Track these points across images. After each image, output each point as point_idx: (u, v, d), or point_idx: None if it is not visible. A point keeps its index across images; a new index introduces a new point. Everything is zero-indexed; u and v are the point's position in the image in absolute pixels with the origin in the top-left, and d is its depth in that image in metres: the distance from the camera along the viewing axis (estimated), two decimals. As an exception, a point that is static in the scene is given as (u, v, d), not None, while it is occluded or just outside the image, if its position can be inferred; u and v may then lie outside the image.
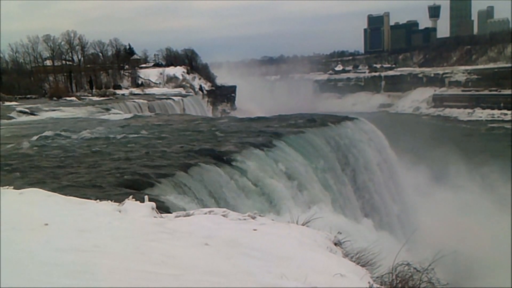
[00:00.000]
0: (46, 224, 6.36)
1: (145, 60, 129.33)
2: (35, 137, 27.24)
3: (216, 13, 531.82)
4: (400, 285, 6.08)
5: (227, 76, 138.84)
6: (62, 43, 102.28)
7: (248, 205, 17.53)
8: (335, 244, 7.45)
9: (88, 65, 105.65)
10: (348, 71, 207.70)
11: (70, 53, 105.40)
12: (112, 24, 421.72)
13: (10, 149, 23.95)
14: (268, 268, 5.48)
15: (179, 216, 8.24)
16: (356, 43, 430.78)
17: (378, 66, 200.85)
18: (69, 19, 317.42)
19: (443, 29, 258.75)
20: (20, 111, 47.38)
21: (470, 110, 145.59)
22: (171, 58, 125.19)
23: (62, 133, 29.22)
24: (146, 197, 8.72)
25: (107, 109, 54.50)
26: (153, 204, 8.29)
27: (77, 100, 70.41)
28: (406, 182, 38.82)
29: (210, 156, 21.57)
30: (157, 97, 78.13)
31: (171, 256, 5.54)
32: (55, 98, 71.48)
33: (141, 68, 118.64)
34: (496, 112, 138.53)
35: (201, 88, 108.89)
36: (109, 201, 8.71)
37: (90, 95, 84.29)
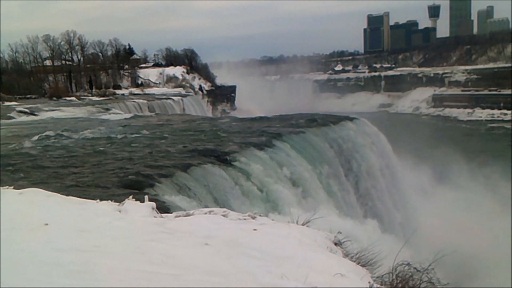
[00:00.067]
0: (46, 224, 6.36)
1: (145, 60, 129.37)
2: (35, 137, 27.24)
3: (216, 13, 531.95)
4: (400, 285, 6.08)
5: (227, 76, 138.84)
6: (62, 43, 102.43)
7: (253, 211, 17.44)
8: (335, 244, 7.45)
9: (88, 65, 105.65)
10: (348, 71, 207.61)
11: (69, 53, 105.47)
12: (111, 24, 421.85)
13: (12, 149, 23.93)
14: (268, 268, 5.48)
15: (179, 216, 8.24)
16: (355, 43, 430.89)
17: (378, 66, 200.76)
18: (69, 19, 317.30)
19: (443, 29, 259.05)
20: (20, 111, 47.37)
21: (470, 110, 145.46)
22: (171, 58, 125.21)
23: (64, 133, 29.20)
24: (146, 197, 8.72)
25: (107, 109, 54.49)
26: (153, 204, 8.30)
27: (77, 100, 70.41)
28: (409, 186, 38.61)
29: (213, 157, 21.36)
30: (157, 97, 78.12)
31: (171, 256, 5.54)
32: (54, 98, 71.48)
33: (141, 68, 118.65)
34: (496, 112, 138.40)
35: (201, 88, 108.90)
36: (109, 201, 8.71)
37: (90, 95, 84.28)
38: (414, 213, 34.81)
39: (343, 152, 30.59)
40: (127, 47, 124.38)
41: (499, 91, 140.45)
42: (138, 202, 8.31)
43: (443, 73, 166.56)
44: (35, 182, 15.07)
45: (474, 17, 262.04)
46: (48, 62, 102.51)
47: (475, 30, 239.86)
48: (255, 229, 7.27)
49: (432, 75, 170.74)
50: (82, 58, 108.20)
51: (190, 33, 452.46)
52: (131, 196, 8.62)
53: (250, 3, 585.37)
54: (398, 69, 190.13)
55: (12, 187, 9.23)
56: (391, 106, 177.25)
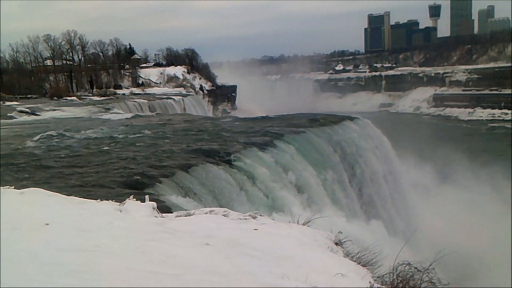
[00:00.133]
0: (47, 224, 6.36)
1: (146, 60, 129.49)
2: (38, 137, 27.25)
3: (216, 13, 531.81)
4: (401, 285, 6.07)
5: (227, 75, 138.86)
6: (63, 43, 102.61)
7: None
8: (336, 243, 7.44)
9: (89, 65, 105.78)
10: (349, 71, 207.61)
11: (70, 53, 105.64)
12: (112, 24, 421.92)
13: (15, 148, 23.93)
14: (269, 268, 5.48)
15: (180, 216, 8.24)
16: (356, 42, 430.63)
17: (378, 65, 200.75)
18: (70, 19, 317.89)
19: (444, 29, 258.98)
20: (21, 111, 47.43)
21: (470, 110, 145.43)
22: (172, 58, 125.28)
23: (66, 133, 29.22)
24: (146, 197, 8.72)
25: (108, 109, 54.55)
26: (154, 204, 8.29)
27: (77, 100, 70.49)
28: (412, 191, 38.40)
29: (217, 158, 21.20)
30: (157, 96, 78.21)
31: (172, 255, 5.54)
32: (55, 98, 71.58)
33: (142, 67, 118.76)
34: (496, 111, 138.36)
35: (201, 88, 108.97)
36: (110, 201, 8.71)
37: (90, 94, 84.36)
38: (417, 220, 34.42)
39: (346, 157, 30.46)
40: (128, 47, 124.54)
41: (500, 91, 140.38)
42: (138, 202, 8.31)
43: (443, 73, 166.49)
44: (38, 182, 15.13)
45: (474, 16, 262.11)
46: (49, 62, 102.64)
47: (475, 30, 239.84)
48: (255, 229, 7.27)
49: (432, 74, 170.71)
50: (82, 58, 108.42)
51: (191, 33, 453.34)
52: (131, 196, 8.61)
53: (250, 3, 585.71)
54: (399, 68, 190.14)
55: (13, 187, 9.24)
56: (392, 105, 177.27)
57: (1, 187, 8.92)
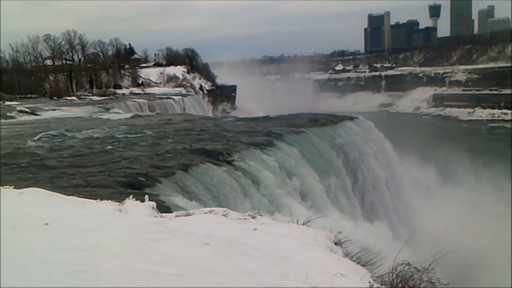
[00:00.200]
0: (47, 224, 6.36)
1: (146, 60, 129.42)
2: (39, 136, 27.26)
3: (216, 13, 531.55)
4: (400, 285, 6.07)
5: (227, 75, 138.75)
6: (63, 42, 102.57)
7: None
8: (336, 243, 7.45)
9: (89, 65, 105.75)
10: (349, 71, 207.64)
11: (70, 53, 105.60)
12: (112, 23, 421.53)
13: (17, 148, 23.93)
14: (269, 268, 5.48)
15: (179, 216, 8.24)
16: (356, 42, 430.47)
17: (378, 65, 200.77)
18: (70, 19, 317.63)
19: (444, 29, 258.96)
20: (21, 111, 47.42)
21: (470, 110, 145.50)
22: (172, 58, 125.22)
23: (67, 133, 29.21)
24: (146, 196, 8.73)
25: (108, 109, 54.56)
26: (154, 203, 8.30)
27: (77, 99, 70.49)
28: (414, 197, 38.13)
29: (220, 160, 21.03)
30: (157, 96, 78.22)
31: (172, 255, 5.54)
32: (55, 98, 71.58)
33: (142, 67, 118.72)
34: (496, 111, 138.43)
35: (201, 88, 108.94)
36: (110, 200, 8.71)
37: (90, 94, 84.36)
38: (419, 225, 34.26)
39: (349, 162, 30.35)
40: (128, 46, 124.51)
41: (500, 91, 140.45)
42: (138, 202, 8.31)
43: (443, 73, 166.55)
44: (39, 182, 15.18)
45: (474, 16, 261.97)
46: (48, 62, 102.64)
47: (475, 30, 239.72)
48: (255, 229, 7.27)
49: (432, 74, 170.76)
50: (82, 58, 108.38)
51: (191, 32, 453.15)
52: (131, 196, 8.61)
53: (250, 3, 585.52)
54: (399, 68, 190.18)
55: (12, 186, 9.24)
56: (391, 105, 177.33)
57: (1, 187, 8.93)
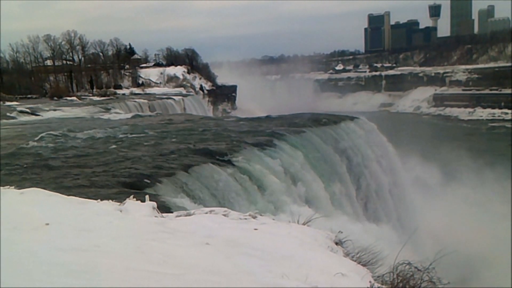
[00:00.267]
0: (47, 224, 6.36)
1: (146, 60, 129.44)
2: (39, 136, 27.23)
3: (216, 13, 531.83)
4: (401, 285, 6.06)
5: (227, 75, 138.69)
6: (63, 43, 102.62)
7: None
8: (336, 243, 7.44)
9: (89, 65, 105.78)
10: (349, 71, 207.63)
11: (70, 53, 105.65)
12: (112, 24, 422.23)
13: (19, 148, 23.92)
14: (269, 268, 5.48)
15: (180, 216, 8.23)
16: (356, 42, 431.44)
17: (378, 65, 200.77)
18: (70, 19, 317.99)
19: (444, 28, 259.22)
20: (21, 111, 47.43)
21: (470, 109, 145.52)
22: (172, 58, 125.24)
23: (69, 133, 29.19)
24: (147, 196, 8.72)
25: (108, 109, 54.57)
26: (154, 203, 8.29)
27: (77, 100, 70.52)
28: (417, 202, 38.03)
29: (224, 161, 20.82)
30: (157, 96, 78.23)
31: (172, 255, 5.53)
32: (55, 98, 71.63)
33: (142, 67, 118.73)
34: (496, 111, 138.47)
35: (201, 88, 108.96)
36: (110, 200, 8.71)
37: (90, 95, 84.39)
38: (424, 229, 33.97)
39: (352, 168, 30.20)
40: (128, 46, 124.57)
41: (500, 91, 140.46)
42: (139, 202, 8.31)
43: (444, 73, 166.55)
44: (39, 182, 15.18)
45: (475, 16, 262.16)
46: (49, 62, 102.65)
47: (476, 30, 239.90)
48: (255, 229, 7.26)
49: (433, 74, 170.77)
50: (83, 58, 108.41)
51: (191, 32, 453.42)
52: (132, 196, 8.61)
53: (250, 3, 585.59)
54: (399, 68, 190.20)
55: (13, 187, 9.24)
56: (392, 105, 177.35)
57: (1, 187, 8.92)
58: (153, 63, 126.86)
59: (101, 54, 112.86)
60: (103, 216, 7.32)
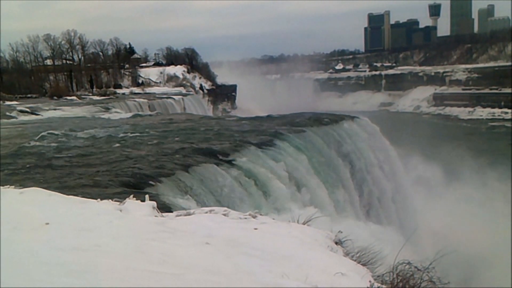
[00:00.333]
0: (47, 224, 6.36)
1: (146, 59, 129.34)
2: (40, 135, 27.23)
3: (216, 12, 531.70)
4: (401, 284, 6.07)
5: (227, 75, 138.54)
6: (63, 42, 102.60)
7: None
8: (336, 243, 7.45)
9: (89, 64, 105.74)
10: (349, 70, 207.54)
11: (70, 53, 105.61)
12: (112, 23, 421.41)
13: (21, 148, 23.91)
14: (269, 267, 5.48)
15: (180, 215, 8.24)
16: (356, 42, 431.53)
17: (378, 64, 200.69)
18: (70, 19, 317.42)
19: (444, 28, 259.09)
20: (21, 111, 47.40)
21: (470, 109, 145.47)
22: (172, 57, 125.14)
23: (71, 132, 29.19)
24: (147, 196, 8.72)
25: (108, 109, 54.57)
26: (154, 203, 8.29)
27: (77, 99, 70.52)
28: (420, 207, 37.89)
29: (231, 163, 20.68)
30: (157, 96, 78.27)
31: (172, 255, 5.54)
32: (55, 98, 71.66)
33: (142, 67, 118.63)
34: (496, 110, 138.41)
35: (201, 87, 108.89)
36: (110, 200, 8.71)
37: (90, 94, 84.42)
38: (426, 230, 33.81)
39: (355, 173, 30.11)
40: (128, 46, 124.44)
41: (500, 90, 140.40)
42: (139, 201, 8.31)
43: (443, 72, 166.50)
44: (47, 181, 15.28)
45: (474, 15, 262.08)
46: (48, 62, 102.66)
47: (475, 29, 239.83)
48: (255, 228, 7.27)
49: (432, 74, 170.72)
50: (82, 58, 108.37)
51: (191, 32, 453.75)
52: (132, 196, 8.61)
53: (250, 2, 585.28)
54: (399, 68, 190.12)
55: (13, 186, 9.24)
56: (391, 105, 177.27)
57: (1, 187, 8.92)
58: (153, 63, 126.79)
59: (101, 53, 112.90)
60: (103, 215, 7.31)
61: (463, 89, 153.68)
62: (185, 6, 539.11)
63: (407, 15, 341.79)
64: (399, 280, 6.11)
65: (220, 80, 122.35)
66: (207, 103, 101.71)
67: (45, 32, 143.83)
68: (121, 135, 28.16)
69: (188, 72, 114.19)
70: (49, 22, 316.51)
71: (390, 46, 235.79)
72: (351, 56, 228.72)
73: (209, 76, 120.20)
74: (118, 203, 8.30)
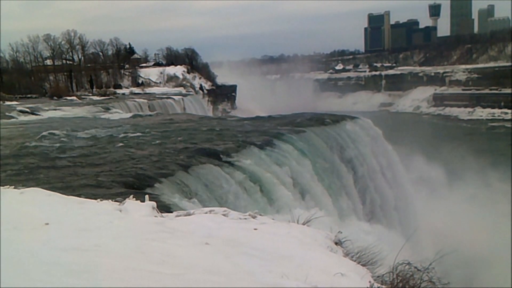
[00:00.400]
0: (47, 224, 6.36)
1: (146, 60, 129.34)
2: (41, 136, 27.23)
3: (216, 12, 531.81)
4: (400, 285, 6.07)
5: (227, 75, 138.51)
6: (63, 42, 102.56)
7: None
8: (336, 243, 7.44)
9: (89, 65, 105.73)
10: (349, 70, 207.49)
11: (70, 53, 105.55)
12: (112, 23, 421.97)
13: (23, 147, 23.90)
14: (269, 268, 5.48)
15: (180, 216, 8.23)
16: (356, 42, 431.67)
17: (378, 65, 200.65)
18: (70, 19, 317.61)
19: (444, 28, 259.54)
20: (21, 111, 47.38)
21: (470, 109, 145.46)
22: (172, 58, 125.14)
23: (72, 132, 29.18)
24: (146, 196, 8.72)
25: (108, 109, 54.57)
26: (154, 203, 8.29)
27: (77, 99, 70.50)
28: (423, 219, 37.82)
29: (234, 166, 20.64)
30: (157, 96, 78.29)
31: (172, 255, 5.54)
32: (55, 98, 71.64)
33: (142, 67, 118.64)
34: (496, 111, 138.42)
35: (201, 88, 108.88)
36: (110, 200, 8.71)
37: (90, 94, 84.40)
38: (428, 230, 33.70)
39: (358, 180, 30.08)
40: (128, 46, 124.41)
41: (500, 90, 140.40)
42: (138, 201, 8.31)
43: (443, 72, 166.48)
44: (50, 181, 15.29)
45: (474, 16, 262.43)
46: (48, 62, 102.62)
47: (475, 29, 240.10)
48: (255, 229, 7.26)
49: (432, 74, 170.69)
50: (82, 58, 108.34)
51: (191, 32, 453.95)
52: (131, 196, 8.61)
53: (250, 3, 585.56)
54: (399, 68, 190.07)
55: (12, 186, 9.24)
56: (391, 105, 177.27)
57: (1, 187, 8.93)
58: (153, 63, 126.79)
59: (101, 53, 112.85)
60: (103, 216, 7.32)
61: (463, 90, 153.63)
62: (185, 6, 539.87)
63: (407, 15, 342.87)
64: (399, 281, 6.11)
65: (220, 80, 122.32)
66: (207, 103, 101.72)
67: (45, 32, 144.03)
68: (122, 135, 28.16)
69: (188, 72, 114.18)
70: (49, 22, 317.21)
71: (390, 46, 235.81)
72: (351, 57, 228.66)
73: (209, 76, 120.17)
74: (118, 203, 8.31)
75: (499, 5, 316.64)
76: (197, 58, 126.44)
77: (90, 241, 5.76)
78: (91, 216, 7.27)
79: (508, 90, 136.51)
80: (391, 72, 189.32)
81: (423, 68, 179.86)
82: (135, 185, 16.11)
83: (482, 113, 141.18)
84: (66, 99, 70.70)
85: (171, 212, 9.38)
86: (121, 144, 24.89)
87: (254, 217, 8.15)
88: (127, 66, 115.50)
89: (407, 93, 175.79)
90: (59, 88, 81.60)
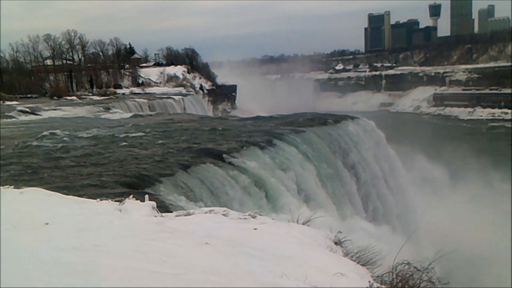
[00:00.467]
0: (47, 224, 6.37)
1: (146, 59, 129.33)
2: (41, 135, 27.23)
3: (216, 12, 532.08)
4: (400, 284, 6.07)
5: (227, 75, 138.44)
6: (63, 42, 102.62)
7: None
8: (336, 243, 7.45)
9: (89, 65, 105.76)
10: (349, 70, 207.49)
11: (70, 53, 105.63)
12: (112, 23, 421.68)
13: (25, 147, 23.90)
14: (269, 267, 5.48)
15: (180, 216, 8.24)
16: (356, 42, 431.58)
17: (378, 65, 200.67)
18: (70, 19, 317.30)
19: (444, 28, 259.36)
20: (21, 111, 47.38)
21: (470, 109, 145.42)
22: (172, 57, 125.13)
23: (73, 132, 29.16)
24: (146, 196, 8.72)
25: (108, 109, 54.59)
26: (154, 203, 8.29)
27: (77, 99, 70.53)
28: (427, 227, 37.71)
29: (238, 168, 20.58)
30: (157, 96, 78.33)
31: (172, 255, 5.54)
32: (55, 98, 71.67)
33: (142, 67, 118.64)
34: (496, 111, 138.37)
35: (201, 87, 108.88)
36: (110, 200, 8.71)
37: (90, 94, 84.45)
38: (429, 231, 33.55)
39: (361, 187, 30.03)
40: (128, 46, 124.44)
41: (500, 90, 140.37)
42: (138, 201, 8.31)
43: (444, 72, 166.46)
44: (48, 182, 15.25)
45: (475, 16, 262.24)
46: (49, 62, 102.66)
47: (476, 29, 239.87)
48: (255, 228, 7.27)
49: (433, 74, 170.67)
50: (82, 58, 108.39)
51: (191, 32, 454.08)
52: (131, 196, 8.61)
53: (251, 3, 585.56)
54: (399, 68, 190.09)
55: (12, 186, 9.24)
56: (392, 105, 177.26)
57: (1, 187, 8.93)
58: (153, 63, 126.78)
59: (101, 53, 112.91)
60: (103, 215, 7.32)
61: (463, 90, 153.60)
62: (185, 6, 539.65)
63: (407, 15, 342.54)
64: (398, 281, 6.12)
65: (220, 80, 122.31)
66: (207, 103, 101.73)
67: (45, 32, 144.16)
68: (124, 135, 28.13)
69: (188, 72, 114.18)
70: (49, 22, 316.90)
71: (390, 47, 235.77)
72: (351, 56, 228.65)
73: (209, 76, 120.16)
74: (118, 203, 8.31)
75: (499, 5, 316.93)
76: (197, 58, 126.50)
77: (90, 241, 5.77)
78: (91, 216, 7.27)
79: (508, 90, 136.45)
80: (391, 72, 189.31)
81: (423, 68, 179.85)
82: (139, 186, 16.11)
83: (482, 113, 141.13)
84: (66, 99, 70.72)
85: (171, 212, 9.39)
86: (124, 143, 24.84)
87: (254, 217, 8.15)
88: (127, 66, 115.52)
89: (407, 93, 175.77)
90: (59, 88, 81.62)
